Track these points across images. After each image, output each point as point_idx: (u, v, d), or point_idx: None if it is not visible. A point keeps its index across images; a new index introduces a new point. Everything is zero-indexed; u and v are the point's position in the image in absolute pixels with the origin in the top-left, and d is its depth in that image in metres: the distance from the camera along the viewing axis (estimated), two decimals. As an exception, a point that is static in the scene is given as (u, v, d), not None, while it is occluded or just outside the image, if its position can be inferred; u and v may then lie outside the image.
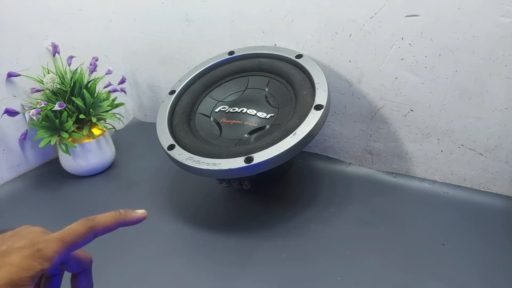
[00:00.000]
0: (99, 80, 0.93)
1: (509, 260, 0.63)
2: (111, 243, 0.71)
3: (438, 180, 0.82)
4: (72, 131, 0.86)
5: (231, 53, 0.85)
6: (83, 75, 0.89)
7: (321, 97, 0.68)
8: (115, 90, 0.97)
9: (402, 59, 0.73)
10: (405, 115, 0.79)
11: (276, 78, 0.78)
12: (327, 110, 0.67)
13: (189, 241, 0.72)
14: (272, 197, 0.83)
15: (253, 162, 0.62)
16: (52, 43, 0.92)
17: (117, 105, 0.94)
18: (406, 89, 0.76)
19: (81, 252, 0.33)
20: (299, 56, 0.77)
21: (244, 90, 0.80)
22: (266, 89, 0.78)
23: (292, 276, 0.62)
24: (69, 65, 0.93)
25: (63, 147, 0.85)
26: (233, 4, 0.87)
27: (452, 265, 0.63)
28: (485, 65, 0.67)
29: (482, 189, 0.79)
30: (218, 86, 0.82)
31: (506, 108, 0.69)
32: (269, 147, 0.63)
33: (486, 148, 0.75)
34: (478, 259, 0.63)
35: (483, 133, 0.73)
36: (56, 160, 0.97)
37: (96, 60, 0.95)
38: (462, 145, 0.76)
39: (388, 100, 0.79)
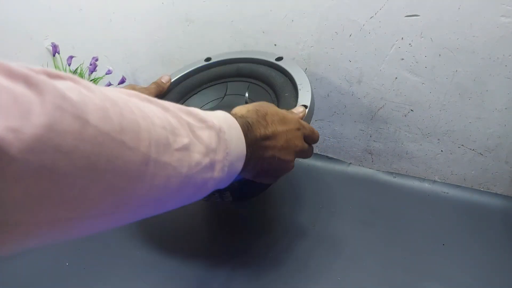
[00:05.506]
0: (99, 80, 0.93)
1: (509, 260, 0.63)
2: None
3: (438, 180, 0.82)
4: (72, 131, 0.85)
5: (207, 59, 0.82)
6: (83, 75, 0.89)
7: (304, 98, 0.65)
8: (115, 90, 0.97)
9: (402, 59, 0.73)
10: (405, 115, 0.79)
11: (256, 83, 0.75)
12: (311, 110, 0.64)
13: (189, 241, 0.72)
14: (271, 197, 0.83)
15: None
16: (52, 43, 0.91)
17: (117, 105, 0.94)
18: (406, 89, 0.76)
19: None
20: (279, 58, 0.74)
21: (223, 97, 0.76)
22: (246, 94, 0.75)
23: (292, 276, 0.62)
24: (69, 65, 0.93)
25: (63, 147, 0.85)
26: (233, 4, 0.87)
27: (452, 265, 0.63)
28: (485, 65, 0.67)
29: (482, 189, 0.79)
30: (195, 94, 0.79)
31: (506, 108, 0.69)
32: None
33: (486, 148, 0.75)
34: (478, 259, 0.63)
35: (483, 133, 0.73)
36: (56, 160, 0.97)
37: (96, 60, 0.94)
38: (462, 145, 0.76)
39: (388, 100, 0.79)
